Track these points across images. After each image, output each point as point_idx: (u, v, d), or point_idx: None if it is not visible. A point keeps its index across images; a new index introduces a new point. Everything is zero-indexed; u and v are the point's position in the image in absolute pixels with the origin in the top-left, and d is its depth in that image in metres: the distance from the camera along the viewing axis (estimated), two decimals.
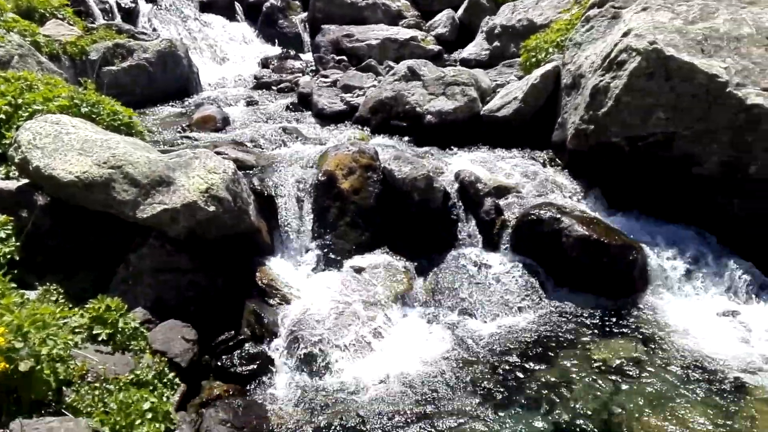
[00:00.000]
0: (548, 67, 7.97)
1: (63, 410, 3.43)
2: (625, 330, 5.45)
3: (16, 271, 4.57)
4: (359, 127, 8.92)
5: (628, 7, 7.06)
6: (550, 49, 8.71)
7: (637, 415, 4.40)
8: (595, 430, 4.29)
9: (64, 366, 3.56)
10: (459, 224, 6.51)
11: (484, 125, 8.28)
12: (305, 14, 16.01)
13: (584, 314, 5.69)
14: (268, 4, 16.02)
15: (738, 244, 6.03)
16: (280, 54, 14.32)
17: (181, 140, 7.89)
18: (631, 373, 4.88)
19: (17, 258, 4.69)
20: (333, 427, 4.34)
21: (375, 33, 13.38)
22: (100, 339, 4.17)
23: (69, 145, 4.95)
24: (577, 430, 4.30)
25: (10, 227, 4.79)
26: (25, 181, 5.20)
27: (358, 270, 5.97)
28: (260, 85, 12.04)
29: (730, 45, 6.03)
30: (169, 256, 5.09)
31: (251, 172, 6.39)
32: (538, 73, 8.01)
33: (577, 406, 4.52)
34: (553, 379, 4.83)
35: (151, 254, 5.05)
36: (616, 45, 6.41)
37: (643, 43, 6.08)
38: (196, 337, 4.68)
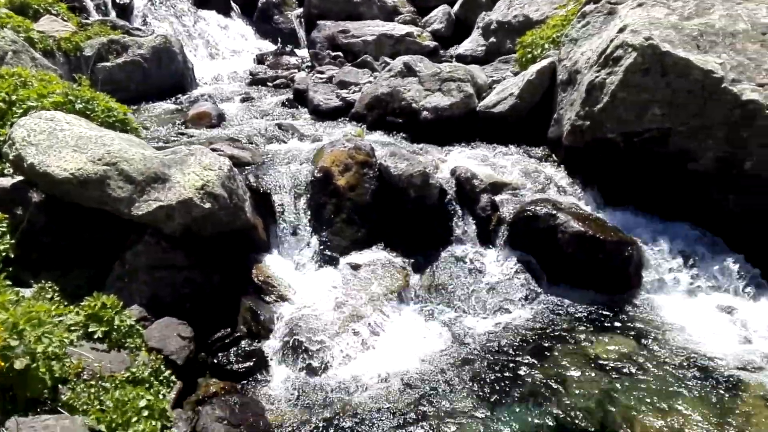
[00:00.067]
0: (544, 63, 7.97)
1: (59, 408, 3.42)
2: (620, 326, 5.47)
3: (11, 269, 4.56)
4: (355, 123, 8.91)
5: (624, 3, 7.05)
6: (546, 45, 8.70)
7: (633, 411, 4.42)
8: (592, 426, 4.30)
9: (60, 364, 3.55)
10: (455, 220, 6.51)
11: (480, 121, 8.28)
12: (300, 10, 15.98)
13: (580, 310, 5.70)
14: None
15: (733, 240, 6.04)
16: (276, 50, 14.30)
17: (176, 137, 7.87)
18: (627, 369, 4.90)
19: (12, 255, 4.68)
20: (330, 424, 4.34)
21: (371, 29, 13.35)
22: (95, 337, 4.16)
23: (63, 142, 4.92)
24: (574, 426, 4.31)
25: (4, 225, 4.78)
26: (20, 178, 5.18)
27: (355, 267, 5.97)
28: (256, 81, 12.00)
29: (726, 41, 6.04)
30: (164, 253, 5.08)
31: (247, 168, 6.38)
32: (534, 69, 8.01)
33: (574, 402, 4.54)
34: (549, 375, 4.84)
35: (146, 251, 5.04)
36: (611, 41, 6.41)
37: (638, 38, 6.08)
38: (192, 335, 4.67)
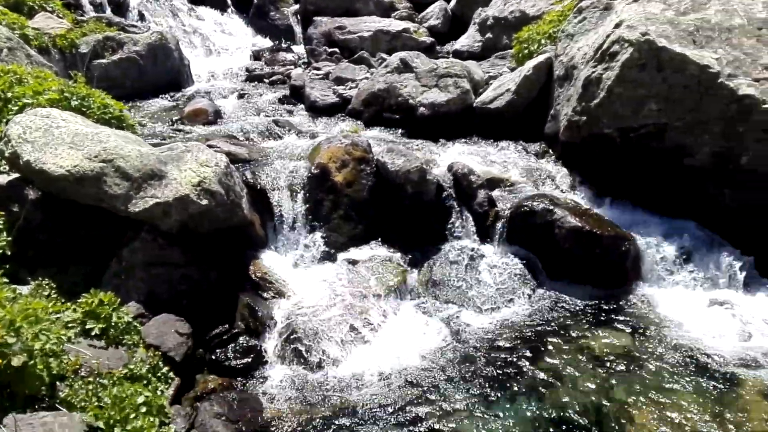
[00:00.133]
0: (541, 58, 7.97)
1: (57, 405, 3.42)
2: (618, 320, 5.48)
3: (7, 266, 4.54)
4: (352, 119, 8.91)
5: None
6: (543, 41, 8.69)
7: (631, 404, 4.43)
8: (590, 419, 4.32)
9: (58, 361, 3.55)
10: (452, 216, 6.51)
11: (477, 117, 8.28)
12: (297, 6, 15.94)
13: (578, 305, 5.72)
14: None
15: (729, 235, 6.05)
16: (272, 46, 14.27)
17: (172, 133, 7.85)
18: (624, 363, 4.91)
19: (8, 253, 4.66)
20: (327, 420, 4.35)
21: (367, 25, 13.33)
22: (93, 333, 4.15)
23: (59, 139, 4.91)
24: (573, 419, 4.32)
25: (1, 222, 4.76)
26: (16, 175, 5.16)
27: (352, 263, 5.97)
28: (252, 77, 11.98)
29: (722, 36, 6.04)
30: (161, 249, 5.07)
31: (244, 165, 6.37)
32: (530, 64, 8.01)
33: (572, 396, 4.55)
34: (547, 370, 4.86)
35: (143, 248, 5.03)
36: (608, 36, 6.41)
37: (635, 34, 6.08)
38: (189, 331, 4.67)
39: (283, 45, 14.44)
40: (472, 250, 6.29)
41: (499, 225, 6.36)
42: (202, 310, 4.99)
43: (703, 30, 6.10)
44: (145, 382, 3.97)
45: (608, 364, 4.90)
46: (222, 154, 5.61)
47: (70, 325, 4.08)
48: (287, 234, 6.12)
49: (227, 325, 5.02)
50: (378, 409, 4.44)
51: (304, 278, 5.79)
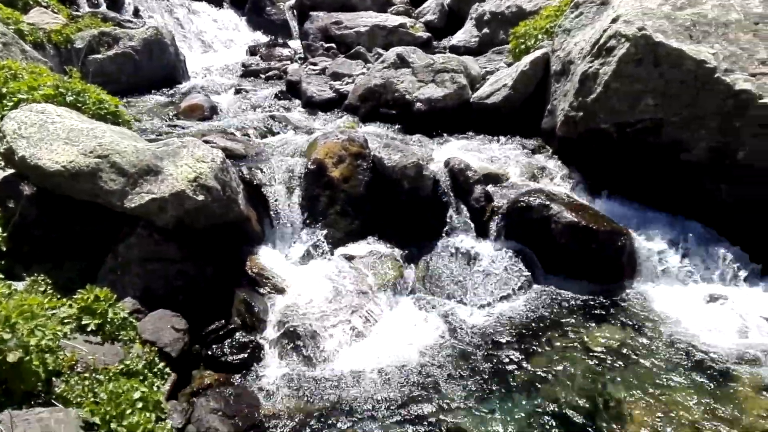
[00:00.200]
0: (538, 53, 7.96)
1: (53, 401, 3.41)
2: (614, 315, 5.50)
3: (3, 262, 4.54)
4: (348, 115, 8.89)
5: None
6: (540, 36, 8.69)
7: (627, 399, 4.45)
8: (586, 414, 4.33)
9: (53, 357, 3.54)
10: (449, 212, 6.51)
11: (473, 112, 8.27)
12: (293, 1, 15.88)
13: (574, 300, 5.73)
14: None
15: (726, 230, 6.06)
16: (268, 41, 14.23)
17: (168, 129, 7.83)
18: (620, 358, 4.92)
19: (4, 249, 4.65)
20: (324, 415, 4.35)
21: (364, 20, 13.31)
22: (89, 329, 4.14)
23: (55, 135, 4.89)
24: (568, 414, 4.34)
25: None
26: (11, 171, 5.14)
27: (349, 258, 5.97)
28: (248, 73, 11.95)
29: (719, 31, 6.04)
30: (157, 245, 5.06)
31: (240, 161, 6.35)
32: (527, 59, 8.00)
33: (568, 391, 4.56)
34: (543, 365, 4.87)
35: (139, 244, 5.02)
36: (605, 31, 6.41)
37: (631, 29, 6.08)
38: (186, 327, 4.67)
39: (280, 40, 14.39)
40: (469, 245, 6.29)
41: (495, 220, 6.36)
42: (198, 306, 4.98)
43: (700, 25, 6.09)
44: (141, 377, 3.97)
45: (605, 360, 4.91)
46: (218, 150, 5.60)
47: (65, 320, 4.07)
48: (284, 230, 6.10)
49: (224, 321, 5.02)
50: (375, 405, 4.44)
51: (300, 274, 5.78)
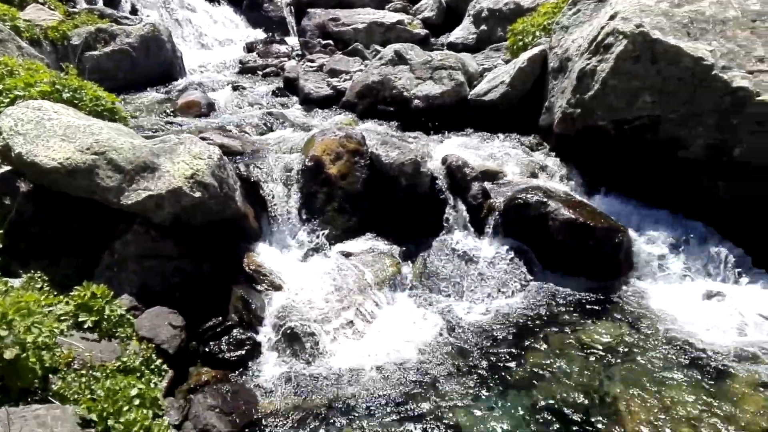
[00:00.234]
0: (535, 50, 7.95)
1: (50, 398, 3.41)
2: (611, 312, 5.50)
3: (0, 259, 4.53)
4: (346, 112, 8.88)
5: None
6: (537, 33, 8.68)
7: (624, 396, 4.45)
8: (583, 411, 4.34)
9: (50, 354, 3.54)
10: (446, 208, 6.50)
11: (471, 109, 8.27)
12: None
13: (571, 297, 5.73)
14: None
15: (723, 227, 6.07)
16: (266, 38, 14.19)
17: (165, 126, 7.81)
18: (617, 355, 4.93)
19: (0, 246, 4.64)
20: (322, 412, 4.36)
21: (361, 17, 13.29)
22: (86, 326, 4.14)
23: (51, 131, 4.88)
24: (565, 411, 4.34)
25: None
26: (7, 168, 5.13)
27: (346, 255, 5.97)
28: (245, 69, 11.93)
29: (716, 28, 6.04)
30: (154, 242, 5.05)
31: (237, 157, 6.34)
32: (525, 56, 7.99)
33: (565, 387, 4.57)
34: (541, 362, 4.87)
35: (135, 241, 5.01)
36: (602, 28, 6.40)
37: (629, 26, 6.08)
38: (183, 324, 4.66)
39: (277, 37, 14.36)
40: (467, 242, 6.29)
41: (493, 217, 6.35)
42: (195, 303, 4.98)
43: (698, 22, 6.10)
44: (138, 374, 3.97)
45: (602, 356, 4.92)
46: (215, 147, 5.58)
47: (62, 317, 4.06)
48: (281, 227, 6.10)
49: (221, 318, 5.01)
50: (372, 401, 4.44)
51: (298, 271, 5.78)
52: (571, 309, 5.57)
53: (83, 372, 3.70)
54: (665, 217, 6.27)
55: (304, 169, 6.25)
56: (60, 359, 3.65)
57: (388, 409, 4.37)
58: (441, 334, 5.23)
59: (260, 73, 11.66)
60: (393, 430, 4.19)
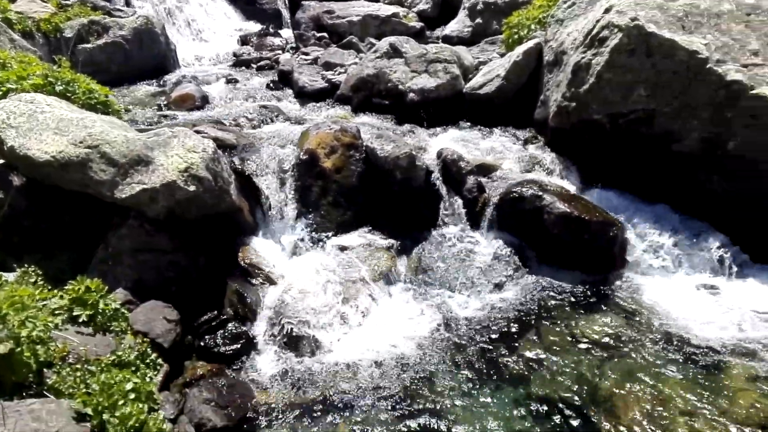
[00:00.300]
0: (530, 44, 7.94)
1: (44, 392, 3.40)
2: (606, 305, 5.52)
3: None
4: (341, 105, 8.85)
5: None
6: (533, 26, 8.67)
7: (618, 389, 4.47)
8: (578, 404, 4.36)
9: (45, 348, 3.52)
10: (442, 202, 6.51)
11: (466, 103, 8.26)
12: None
13: (566, 290, 5.75)
14: None
15: (718, 221, 6.08)
16: (260, 31, 14.13)
17: (159, 119, 7.78)
18: (612, 348, 4.95)
19: None
20: (317, 405, 4.36)
21: (356, 9, 13.23)
22: (80, 320, 4.13)
23: (44, 125, 4.85)
24: (560, 405, 4.36)
25: None
26: (0, 161, 5.09)
27: (342, 249, 5.96)
28: (239, 62, 11.89)
29: (711, 21, 6.05)
30: (148, 236, 5.03)
31: (232, 151, 6.32)
32: (520, 50, 7.98)
33: (560, 380, 4.59)
34: (535, 354, 4.89)
35: (130, 234, 4.99)
36: (597, 21, 6.40)
37: (624, 19, 6.07)
38: (178, 318, 4.65)
39: (271, 30, 14.29)
40: (462, 236, 6.30)
41: (488, 211, 6.36)
42: (190, 297, 4.97)
43: (692, 15, 6.10)
44: (133, 368, 3.96)
45: (596, 350, 4.94)
46: (209, 140, 5.56)
47: (57, 312, 4.05)
48: (276, 220, 6.09)
49: (216, 312, 5.00)
50: (367, 395, 4.45)
51: (293, 264, 5.78)
52: (567, 302, 5.59)
53: (78, 366, 3.69)
54: (661, 211, 6.28)
55: (299, 162, 6.23)
56: (55, 353, 3.63)
57: (383, 402, 4.37)
58: (436, 327, 5.24)
59: (254, 66, 11.62)
60: (388, 423, 4.20)
